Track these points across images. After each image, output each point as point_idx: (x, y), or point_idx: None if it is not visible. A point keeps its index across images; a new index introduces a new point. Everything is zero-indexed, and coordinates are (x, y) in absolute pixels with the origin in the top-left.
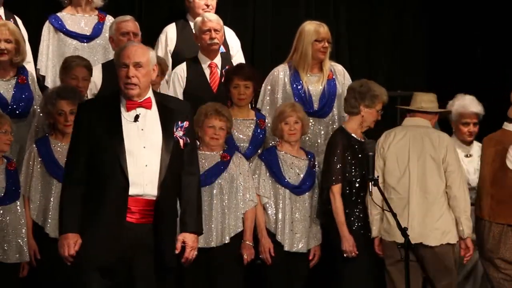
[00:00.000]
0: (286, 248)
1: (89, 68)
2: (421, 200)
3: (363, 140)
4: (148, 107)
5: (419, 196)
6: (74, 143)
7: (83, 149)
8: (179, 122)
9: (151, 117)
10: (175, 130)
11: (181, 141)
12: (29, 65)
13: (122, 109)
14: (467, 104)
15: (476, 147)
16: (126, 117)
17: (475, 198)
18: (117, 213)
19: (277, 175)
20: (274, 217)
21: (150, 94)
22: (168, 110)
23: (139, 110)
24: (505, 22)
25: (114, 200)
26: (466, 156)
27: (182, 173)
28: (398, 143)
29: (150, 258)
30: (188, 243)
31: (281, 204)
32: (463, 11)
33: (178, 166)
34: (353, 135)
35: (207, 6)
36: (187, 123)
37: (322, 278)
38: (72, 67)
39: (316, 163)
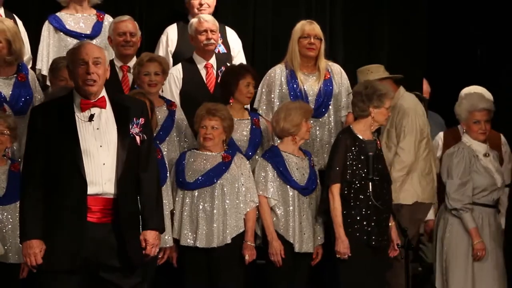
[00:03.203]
0: (296, 249)
1: None
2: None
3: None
4: (103, 106)
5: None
6: (29, 149)
7: (40, 155)
8: (135, 119)
9: (106, 116)
10: (130, 127)
11: (137, 138)
12: (30, 64)
13: (76, 110)
14: (474, 101)
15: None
16: (81, 117)
17: None
18: (77, 213)
19: (286, 176)
20: (284, 219)
21: (103, 93)
22: (124, 108)
23: (94, 110)
24: (506, 21)
25: (74, 201)
26: (485, 155)
27: (140, 170)
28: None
29: (116, 257)
30: (149, 240)
31: (291, 205)
32: (463, 10)
33: (136, 163)
34: (359, 136)
35: (201, 5)
36: (143, 119)
37: (323, 277)
38: (60, 68)
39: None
